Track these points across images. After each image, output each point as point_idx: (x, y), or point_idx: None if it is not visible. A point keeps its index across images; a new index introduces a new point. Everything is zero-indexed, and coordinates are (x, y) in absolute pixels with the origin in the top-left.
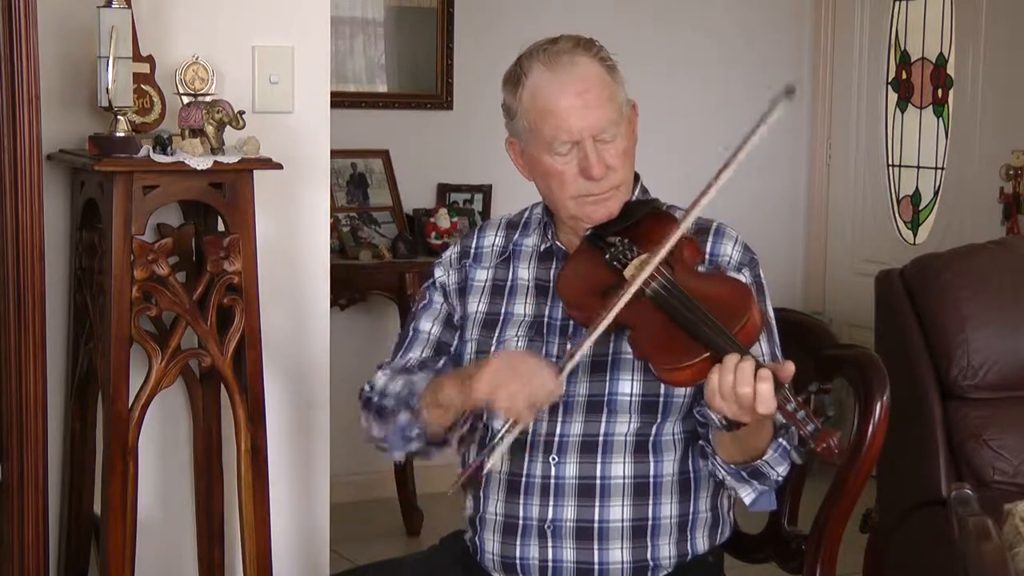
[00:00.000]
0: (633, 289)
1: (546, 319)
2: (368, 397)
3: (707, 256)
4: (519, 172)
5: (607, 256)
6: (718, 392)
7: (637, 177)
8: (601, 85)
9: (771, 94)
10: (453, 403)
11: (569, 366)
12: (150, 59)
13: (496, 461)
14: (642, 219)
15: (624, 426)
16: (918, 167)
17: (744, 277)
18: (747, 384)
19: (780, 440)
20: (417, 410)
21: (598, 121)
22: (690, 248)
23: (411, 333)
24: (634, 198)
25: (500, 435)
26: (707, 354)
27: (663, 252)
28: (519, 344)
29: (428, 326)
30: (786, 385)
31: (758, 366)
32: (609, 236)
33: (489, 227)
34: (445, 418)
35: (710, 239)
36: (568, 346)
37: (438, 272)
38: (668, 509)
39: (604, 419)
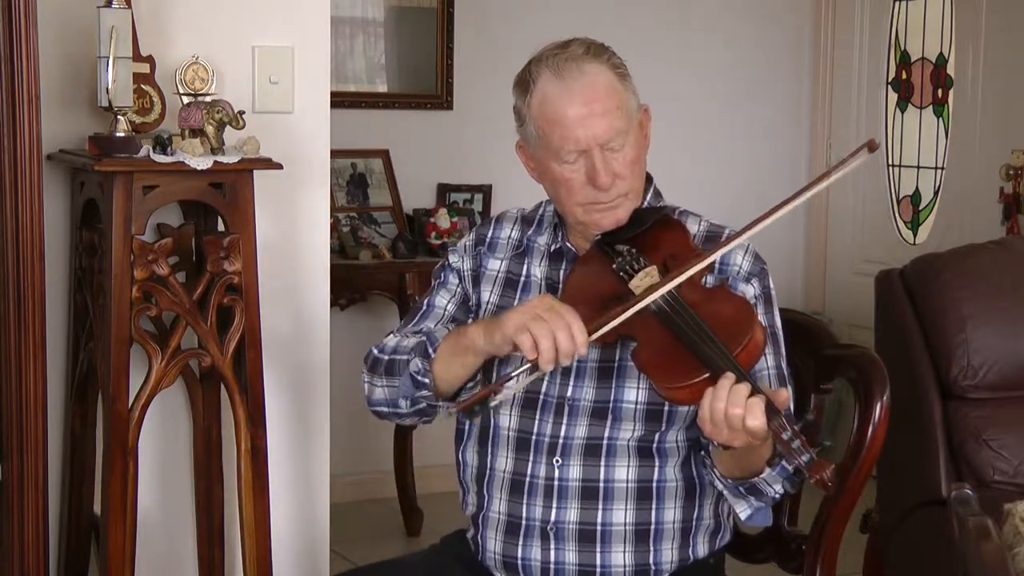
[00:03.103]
0: (630, 312)
1: None
2: (376, 358)
3: (716, 265)
4: (529, 174)
5: (614, 266)
6: (709, 419)
7: (651, 179)
8: (609, 93)
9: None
10: (476, 344)
11: (601, 331)
12: (150, 59)
13: (505, 396)
14: (651, 227)
15: (628, 432)
16: (918, 167)
17: (753, 287)
18: (739, 405)
19: (781, 461)
20: (432, 359)
21: (606, 131)
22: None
23: (425, 307)
24: (646, 203)
25: (516, 371)
26: (707, 375)
27: (675, 282)
28: None
29: (444, 302)
30: (782, 414)
31: (752, 392)
32: (618, 244)
33: (506, 220)
34: (458, 369)
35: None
36: None
37: (453, 258)
38: (672, 514)
39: (608, 425)
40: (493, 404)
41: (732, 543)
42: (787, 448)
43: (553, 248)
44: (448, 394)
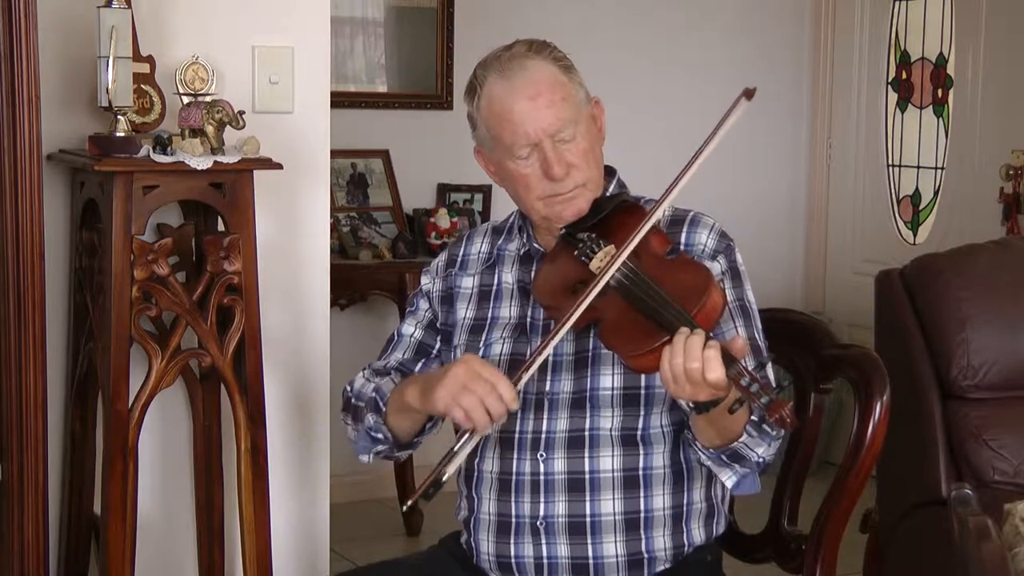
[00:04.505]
0: (595, 292)
1: (528, 320)
2: (348, 398)
3: (682, 246)
4: (491, 179)
5: (576, 252)
6: (670, 376)
7: (614, 173)
8: (553, 86)
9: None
10: (414, 407)
11: (525, 378)
12: (150, 59)
13: (452, 472)
14: (611, 213)
15: (608, 420)
16: (918, 167)
17: (720, 264)
18: (695, 359)
19: (754, 419)
20: (384, 413)
21: (553, 122)
22: (658, 238)
23: (395, 337)
24: (609, 193)
25: (458, 445)
26: (667, 337)
27: (629, 248)
28: (504, 347)
29: (411, 330)
30: (739, 361)
31: (707, 341)
32: (580, 233)
33: (476, 234)
34: (409, 422)
35: (685, 229)
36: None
37: (424, 280)
38: (661, 501)
39: (588, 414)
40: (446, 479)
41: (732, 543)
42: (746, 393)
43: (522, 252)
44: (407, 441)
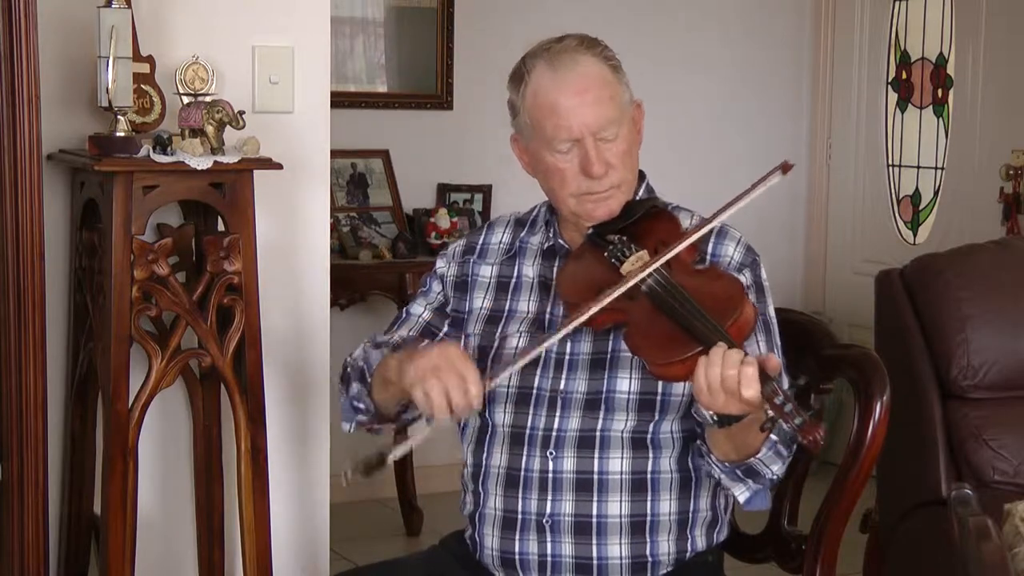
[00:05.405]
0: (617, 293)
1: (548, 316)
2: (344, 366)
3: (708, 257)
4: (523, 168)
5: (605, 254)
6: (705, 385)
7: (643, 176)
8: (602, 84)
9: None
10: (393, 379)
11: (498, 379)
12: (150, 59)
13: (400, 453)
14: (642, 217)
15: (621, 423)
16: (918, 167)
17: (745, 277)
18: (733, 367)
19: (773, 438)
20: (369, 384)
21: (598, 120)
22: (688, 249)
23: (403, 315)
24: (638, 197)
25: (412, 428)
26: (699, 348)
27: (664, 258)
28: (520, 341)
29: (420, 310)
30: (774, 379)
31: (744, 356)
32: (609, 235)
33: (498, 224)
34: (391, 395)
35: (712, 239)
36: (568, 345)
37: (439, 263)
38: (667, 506)
39: (601, 416)
40: (392, 458)
41: (732, 543)
42: (780, 412)
43: (546, 246)
44: (389, 417)
